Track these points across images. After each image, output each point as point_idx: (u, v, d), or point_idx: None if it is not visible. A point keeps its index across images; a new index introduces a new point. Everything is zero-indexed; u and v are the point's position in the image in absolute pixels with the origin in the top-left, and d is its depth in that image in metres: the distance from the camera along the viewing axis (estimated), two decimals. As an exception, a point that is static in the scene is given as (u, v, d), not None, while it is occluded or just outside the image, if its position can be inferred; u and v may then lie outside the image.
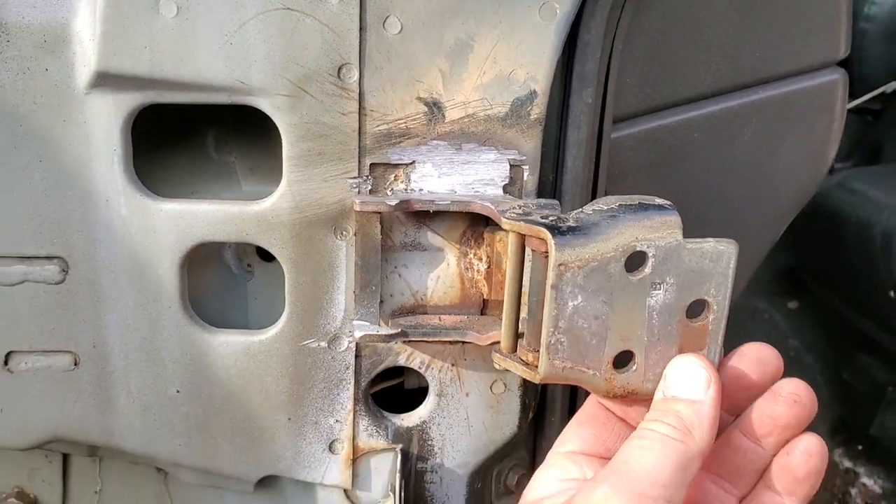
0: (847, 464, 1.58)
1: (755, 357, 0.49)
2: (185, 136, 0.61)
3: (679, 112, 0.65)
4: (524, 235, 0.50)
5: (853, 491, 1.55)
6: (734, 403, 0.49)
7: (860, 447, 1.59)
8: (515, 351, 0.52)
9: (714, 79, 0.65)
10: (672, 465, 0.42)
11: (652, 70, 0.62)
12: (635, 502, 0.41)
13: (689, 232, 0.55)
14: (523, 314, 0.52)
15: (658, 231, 0.46)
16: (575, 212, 0.48)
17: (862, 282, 1.42)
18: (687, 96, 0.65)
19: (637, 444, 0.44)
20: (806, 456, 0.47)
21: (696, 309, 0.49)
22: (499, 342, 0.53)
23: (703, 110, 0.66)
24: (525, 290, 0.52)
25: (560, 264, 0.45)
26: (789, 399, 0.47)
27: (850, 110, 2.14)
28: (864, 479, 1.55)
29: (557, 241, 0.45)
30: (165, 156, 0.60)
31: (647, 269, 0.47)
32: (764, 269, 1.79)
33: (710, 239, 0.48)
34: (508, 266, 0.52)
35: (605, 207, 0.47)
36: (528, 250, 0.50)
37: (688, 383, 0.46)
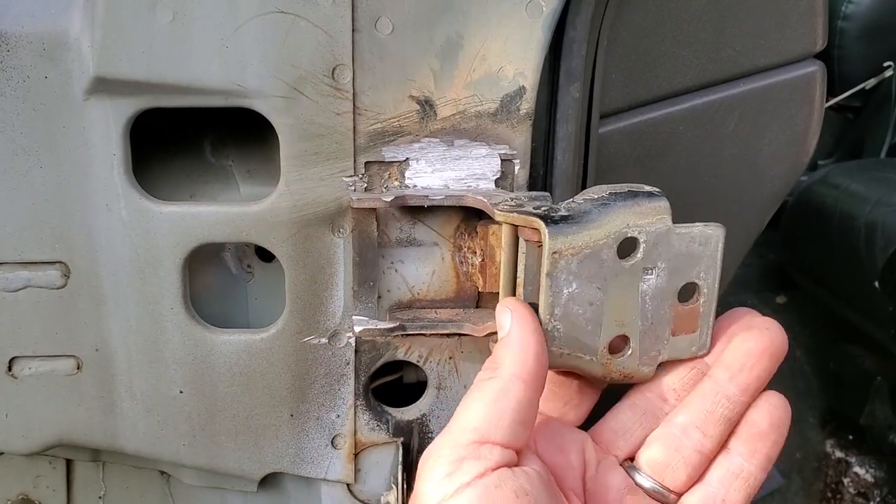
0: (839, 454, 1.60)
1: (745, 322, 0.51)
2: (183, 142, 0.62)
3: (663, 106, 0.67)
4: (517, 227, 0.51)
5: (846, 480, 1.57)
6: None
7: (850, 437, 1.62)
8: None
9: (696, 73, 0.67)
10: (482, 403, 0.44)
11: (636, 66, 0.64)
12: (449, 455, 0.43)
13: (676, 221, 0.57)
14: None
15: (648, 217, 0.48)
16: (566, 202, 0.49)
17: (847, 274, 1.44)
18: (670, 91, 0.67)
19: (463, 398, 0.46)
20: (769, 407, 0.49)
21: (688, 292, 0.50)
22: (495, 333, 0.55)
23: (686, 104, 0.67)
24: (520, 281, 0.53)
25: (554, 252, 0.47)
26: (762, 327, 0.49)
27: (831, 108, 2.18)
28: (857, 469, 1.58)
29: (550, 229, 0.47)
30: (164, 161, 0.61)
31: (639, 255, 0.48)
32: (753, 266, 1.81)
33: (699, 223, 0.49)
34: (502, 258, 0.53)
35: (596, 196, 0.49)
36: (521, 241, 0.52)
37: (499, 327, 0.48)
